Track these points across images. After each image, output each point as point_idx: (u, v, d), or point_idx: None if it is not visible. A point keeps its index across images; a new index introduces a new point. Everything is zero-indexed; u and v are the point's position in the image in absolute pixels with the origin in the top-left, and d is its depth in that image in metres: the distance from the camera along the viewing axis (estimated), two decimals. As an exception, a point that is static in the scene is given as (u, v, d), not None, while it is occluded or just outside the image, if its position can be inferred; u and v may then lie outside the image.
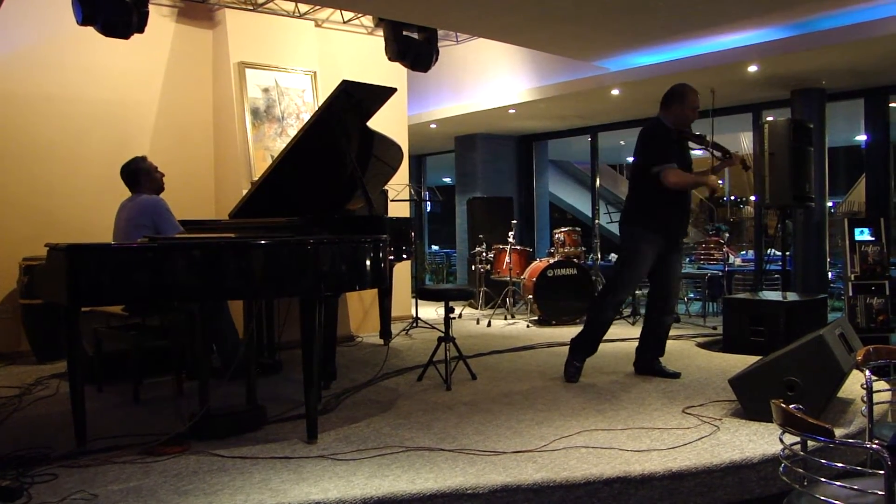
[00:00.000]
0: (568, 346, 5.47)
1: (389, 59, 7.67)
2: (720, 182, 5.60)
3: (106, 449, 3.73)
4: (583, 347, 5.41)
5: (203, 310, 4.43)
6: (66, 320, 3.77)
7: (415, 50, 7.61)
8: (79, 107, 6.83)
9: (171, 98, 7.31)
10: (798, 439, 2.32)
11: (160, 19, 7.11)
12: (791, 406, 2.26)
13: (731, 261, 10.35)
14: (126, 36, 6.08)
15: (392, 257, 6.07)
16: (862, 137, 9.39)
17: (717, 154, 5.40)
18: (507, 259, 9.00)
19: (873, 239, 7.50)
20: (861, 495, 2.20)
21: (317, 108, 6.00)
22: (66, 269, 3.52)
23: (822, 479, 2.30)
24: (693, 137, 5.39)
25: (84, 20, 5.89)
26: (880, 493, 2.03)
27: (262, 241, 3.85)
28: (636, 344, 5.64)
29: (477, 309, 9.72)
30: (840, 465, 2.52)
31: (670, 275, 5.44)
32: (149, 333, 5.06)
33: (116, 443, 3.82)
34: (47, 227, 6.22)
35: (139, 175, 5.34)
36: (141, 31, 6.15)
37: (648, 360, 5.49)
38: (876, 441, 2.63)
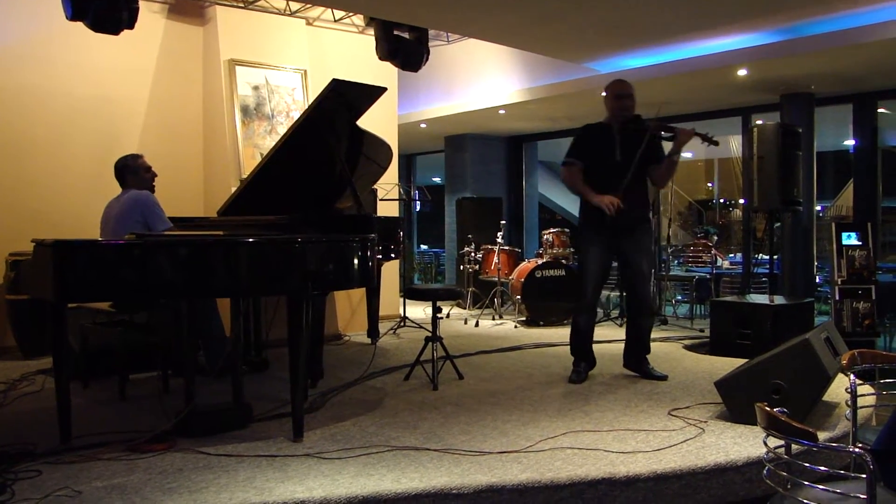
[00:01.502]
0: (555, 347, 5.48)
1: (380, 58, 7.67)
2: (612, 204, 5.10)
3: (90, 446, 3.72)
4: (575, 353, 5.45)
5: (191, 307, 4.42)
6: (53, 316, 3.75)
7: (405, 49, 7.61)
8: (68, 103, 6.79)
9: (161, 95, 7.29)
10: (782, 442, 2.33)
11: (150, 15, 7.08)
12: (775, 409, 2.27)
13: (718, 263, 10.38)
14: (116, 32, 6.05)
15: (380, 256, 6.07)
16: (850, 142, 9.44)
17: (665, 135, 5.24)
18: (495, 259, 9.00)
19: (860, 243, 7.53)
20: (843, 499, 2.22)
21: (307, 107, 5.99)
22: (53, 265, 3.51)
23: (806, 483, 2.31)
24: (635, 127, 5.26)
25: (74, 15, 5.87)
26: (862, 496, 2.04)
27: (250, 240, 3.85)
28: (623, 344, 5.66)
29: (465, 309, 9.72)
30: (823, 468, 2.53)
31: (631, 274, 5.38)
32: (135, 330, 5.04)
33: (101, 440, 3.81)
34: (34, 223, 6.17)
35: (124, 172, 5.36)
36: (131, 27, 6.12)
37: (636, 359, 5.51)
38: (859, 445, 2.65)
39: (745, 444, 3.78)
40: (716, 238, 11.56)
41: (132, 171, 5.35)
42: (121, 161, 5.40)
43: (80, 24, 5.94)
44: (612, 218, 5.13)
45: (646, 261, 5.42)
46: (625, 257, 5.35)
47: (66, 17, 5.91)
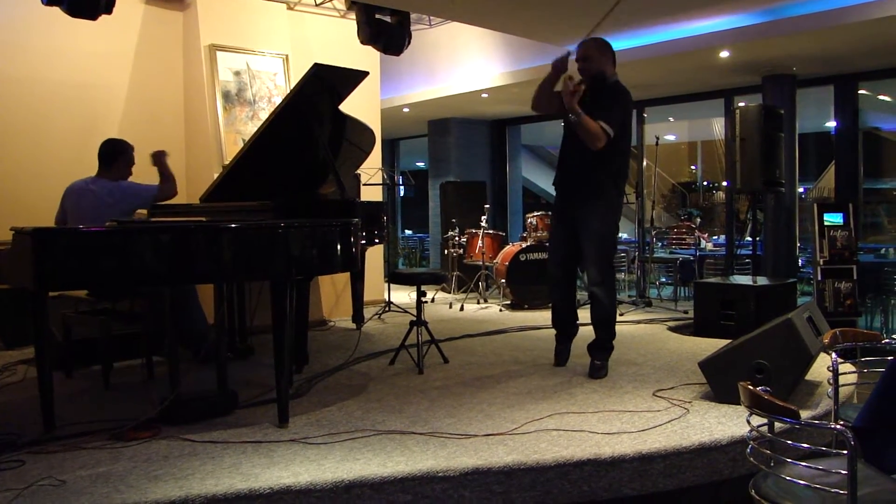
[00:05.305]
0: (540, 331, 5.44)
1: (362, 42, 7.63)
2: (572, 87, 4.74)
3: (74, 435, 3.69)
4: (553, 326, 5.38)
5: (173, 294, 4.39)
6: (33, 305, 3.72)
7: (387, 33, 7.57)
8: (45, 90, 6.71)
9: (141, 81, 7.21)
10: (765, 421, 2.35)
11: (129, 0, 6.99)
12: (759, 388, 2.28)
13: (702, 245, 10.44)
14: (93, 17, 5.96)
15: (364, 241, 6.07)
16: (832, 124, 9.49)
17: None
18: (479, 243, 9.00)
19: (842, 224, 7.59)
20: (825, 475, 2.23)
21: (288, 92, 5.95)
22: (33, 253, 3.47)
23: (789, 460, 2.33)
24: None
25: (49, 0, 5.78)
26: (844, 472, 2.06)
27: (233, 225, 3.82)
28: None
29: (449, 293, 9.72)
30: (806, 445, 2.55)
31: (580, 251, 5.04)
32: (118, 318, 5.00)
33: (85, 428, 3.78)
34: (12, 211, 6.09)
35: (116, 156, 5.24)
36: (109, 12, 6.02)
37: (590, 345, 5.18)
38: (841, 422, 2.67)
39: (729, 423, 3.80)
40: (699, 220, 11.64)
41: (126, 161, 5.28)
42: (121, 145, 5.28)
43: (57, 10, 5.86)
44: (562, 186, 5.12)
45: (591, 243, 4.93)
46: (575, 234, 5.03)
47: (42, 2, 5.81)
